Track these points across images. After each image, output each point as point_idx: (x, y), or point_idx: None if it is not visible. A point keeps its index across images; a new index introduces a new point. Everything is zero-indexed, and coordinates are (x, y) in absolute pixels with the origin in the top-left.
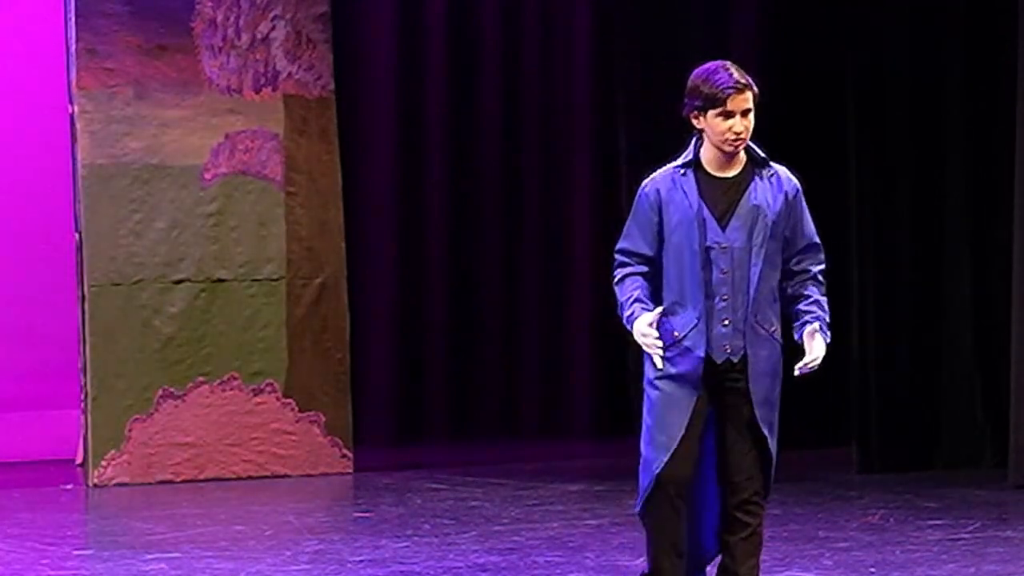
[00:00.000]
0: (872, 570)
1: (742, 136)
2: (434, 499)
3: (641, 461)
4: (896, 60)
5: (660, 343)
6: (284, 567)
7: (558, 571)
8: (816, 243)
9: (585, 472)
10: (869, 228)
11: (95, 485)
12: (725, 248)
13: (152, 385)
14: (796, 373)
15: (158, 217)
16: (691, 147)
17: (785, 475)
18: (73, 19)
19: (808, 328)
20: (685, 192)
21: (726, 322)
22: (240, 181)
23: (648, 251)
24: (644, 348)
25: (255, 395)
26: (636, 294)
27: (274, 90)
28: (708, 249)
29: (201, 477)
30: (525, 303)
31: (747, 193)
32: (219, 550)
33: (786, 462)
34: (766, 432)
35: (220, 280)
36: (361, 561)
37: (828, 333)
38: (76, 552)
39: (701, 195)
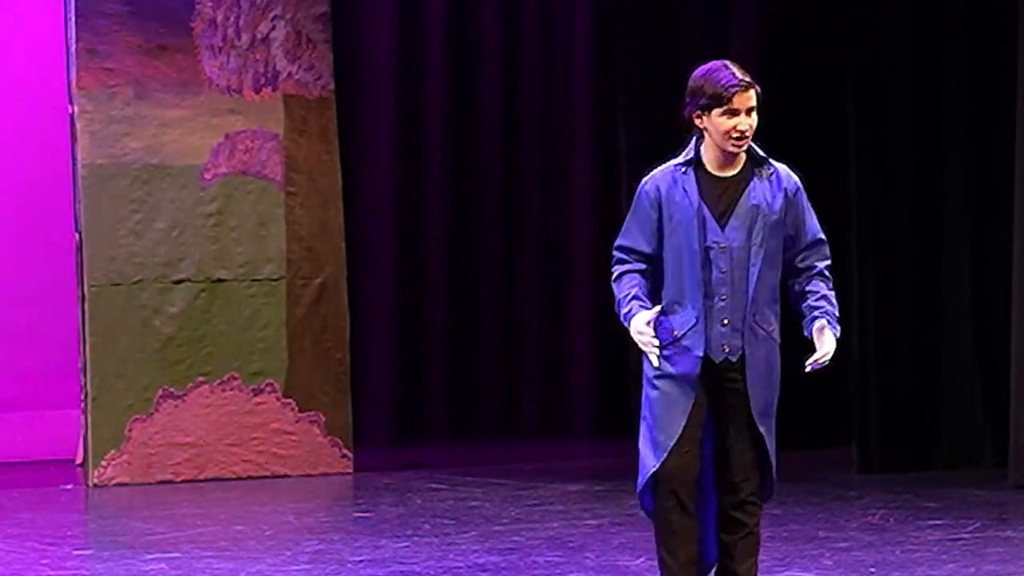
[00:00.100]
0: (872, 570)
1: (746, 134)
2: (434, 499)
3: (639, 460)
4: (896, 60)
5: (656, 341)
6: (284, 567)
7: (558, 571)
8: (821, 239)
9: (585, 472)
10: (869, 228)
11: (95, 485)
12: (724, 248)
13: (152, 385)
14: (807, 369)
15: (158, 217)
16: (691, 146)
17: (785, 475)
18: (73, 19)
19: (817, 324)
20: (685, 190)
21: (725, 322)
22: (240, 181)
23: (647, 248)
24: (640, 346)
25: (255, 395)
26: (634, 291)
27: (274, 90)
28: (707, 248)
29: (201, 477)
30: (525, 303)
31: (746, 192)
32: (219, 550)
33: (786, 462)
34: (763, 432)
35: (220, 280)
36: (361, 561)
37: (838, 327)
38: (76, 552)
39: (701, 194)
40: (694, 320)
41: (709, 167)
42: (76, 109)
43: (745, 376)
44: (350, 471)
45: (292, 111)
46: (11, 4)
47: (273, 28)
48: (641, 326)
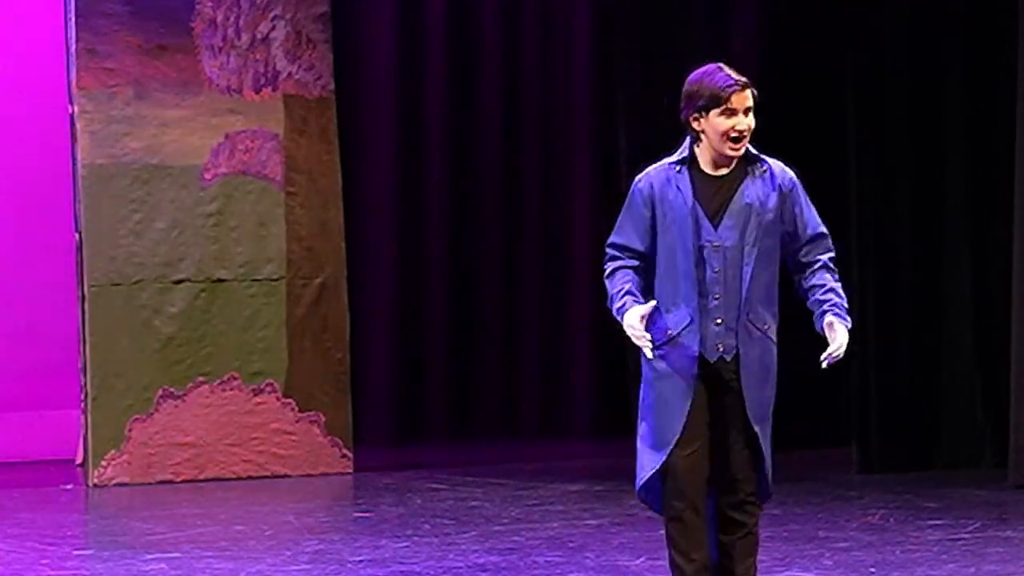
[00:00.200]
0: (872, 570)
1: (744, 135)
2: (434, 499)
3: (638, 461)
4: (896, 60)
5: (648, 335)
6: (284, 567)
7: (558, 571)
8: (822, 232)
9: (585, 472)
10: (869, 228)
11: (95, 485)
12: (717, 247)
13: (152, 385)
14: (823, 364)
15: (158, 217)
16: (686, 145)
17: (785, 475)
18: (73, 19)
19: (827, 318)
20: (679, 189)
21: (719, 321)
22: (240, 181)
23: (640, 246)
24: (632, 340)
25: (255, 395)
26: (627, 287)
27: (274, 90)
28: (701, 248)
29: (201, 477)
30: (525, 303)
31: (740, 191)
32: (219, 550)
33: (786, 462)
34: (758, 430)
35: (220, 280)
36: (361, 561)
37: (848, 318)
38: (76, 552)
39: (695, 193)
40: (688, 319)
41: (703, 166)
42: (76, 109)
43: (740, 375)
44: (350, 471)
45: (292, 111)
46: (11, 4)
47: (273, 28)
48: (634, 320)
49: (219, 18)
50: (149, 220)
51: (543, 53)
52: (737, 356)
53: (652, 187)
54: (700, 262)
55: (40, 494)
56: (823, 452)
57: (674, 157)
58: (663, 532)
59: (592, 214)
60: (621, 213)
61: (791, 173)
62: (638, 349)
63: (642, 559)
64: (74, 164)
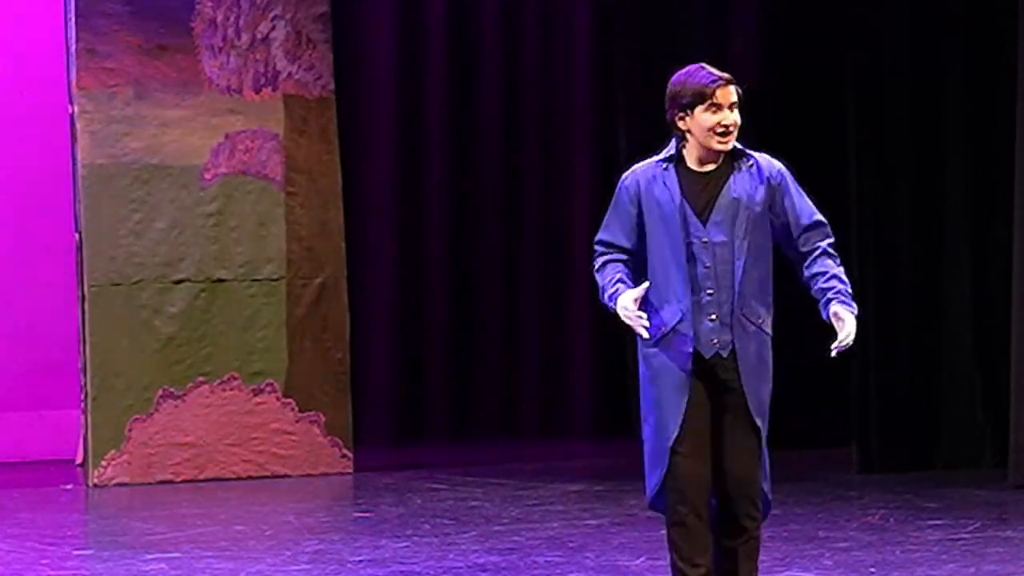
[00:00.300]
0: (872, 570)
1: (731, 130)
2: (434, 499)
3: (645, 466)
4: (896, 60)
5: (643, 315)
6: (284, 567)
7: (558, 571)
8: (818, 220)
9: (585, 472)
10: (869, 228)
11: (95, 485)
12: (707, 243)
13: (152, 385)
14: (832, 353)
15: (158, 217)
16: (672, 143)
17: (785, 475)
18: (73, 19)
19: (832, 308)
20: (666, 186)
21: (712, 317)
22: (240, 181)
23: (626, 243)
24: (627, 323)
25: (255, 395)
26: (618, 276)
27: (274, 90)
28: (690, 244)
29: (201, 477)
30: (525, 303)
31: (727, 187)
32: (219, 550)
33: (786, 462)
34: (760, 424)
35: (220, 280)
36: (361, 561)
37: (854, 304)
38: (76, 552)
39: (682, 190)
40: (680, 316)
41: (690, 164)
42: (76, 109)
43: (738, 370)
44: (350, 471)
45: (292, 111)
46: (11, 4)
47: (273, 28)
48: (627, 302)
49: (219, 18)
50: (149, 220)
51: (543, 53)
52: (734, 352)
53: (638, 185)
54: (690, 259)
55: (40, 494)
56: (823, 452)
57: (661, 155)
58: (664, 534)
59: (592, 214)
60: (608, 211)
61: (779, 165)
62: (637, 348)
63: (642, 559)
64: (74, 164)
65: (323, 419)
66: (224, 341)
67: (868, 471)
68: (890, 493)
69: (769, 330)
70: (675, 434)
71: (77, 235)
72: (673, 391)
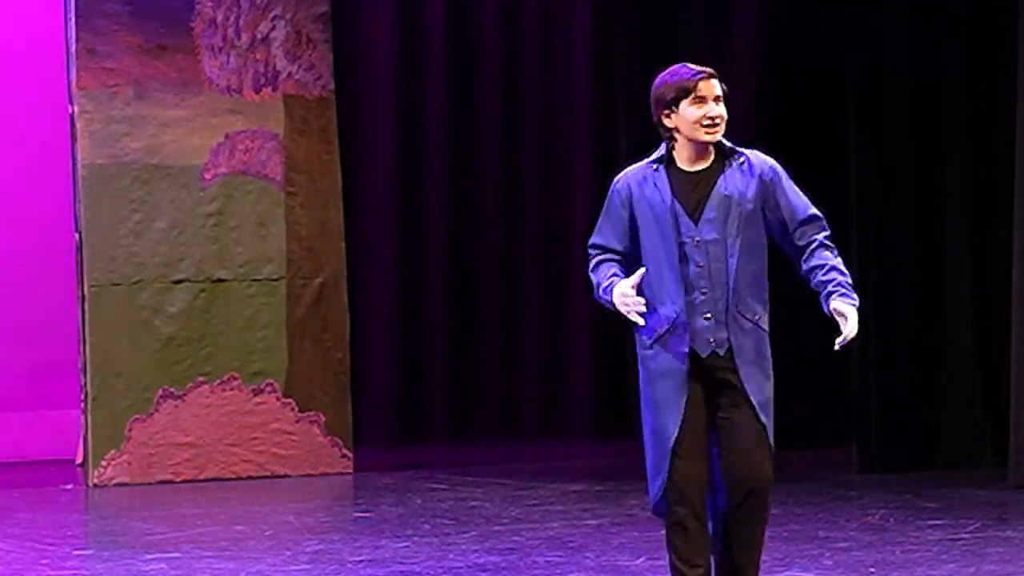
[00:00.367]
0: (872, 570)
1: (717, 121)
2: (434, 499)
3: (647, 470)
4: (896, 60)
5: (641, 300)
6: (284, 567)
7: (558, 571)
8: (814, 214)
9: (585, 472)
10: (869, 228)
11: (95, 485)
12: (699, 242)
13: (152, 385)
14: (836, 348)
15: (158, 217)
16: (663, 146)
17: (785, 475)
18: (73, 19)
19: (833, 304)
20: (657, 187)
21: (707, 315)
22: (240, 181)
23: (619, 246)
24: (625, 312)
25: (255, 395)
26: (612, 271)
27: (274, 90)
28: (682, 244)
29: (201, 477)
30: (525, 303)
31: (718, 184)
32: (219, 550)
33: (786, 462)
34: (765, 420)
35: (220, 280)
36: (361, 561)
37: (855, 296)
38: (76, 552)
39: (672, 190)
40: (675, 316)
41: (680, 163)
42: (76, 109)
43: (737, 368)
44: (350, 471)
45: (292, 111)
46: (11, 4)
47: (273, 28)
48: (625, 289)
49: (219, 18)
50: (149, 220)
51: (543, 53)
52: (731, 350)
53: (629, 188)
54: (683, 258)
55: (40, 494)
56: (823, 452)
57: (652, 157)
58: (663, 535)
59: (592, 214)
60: (601, 215)
61: (771, 161)
62: (636, 351)
63: (642, 559)
64: (74, 164)
65: (323, 419)
66: (224, 341)
67: (868, 471)
68: (890, 493)
69: (766, 327)
70: (675, 436)
71: (77, 235)
72: (671, 393)
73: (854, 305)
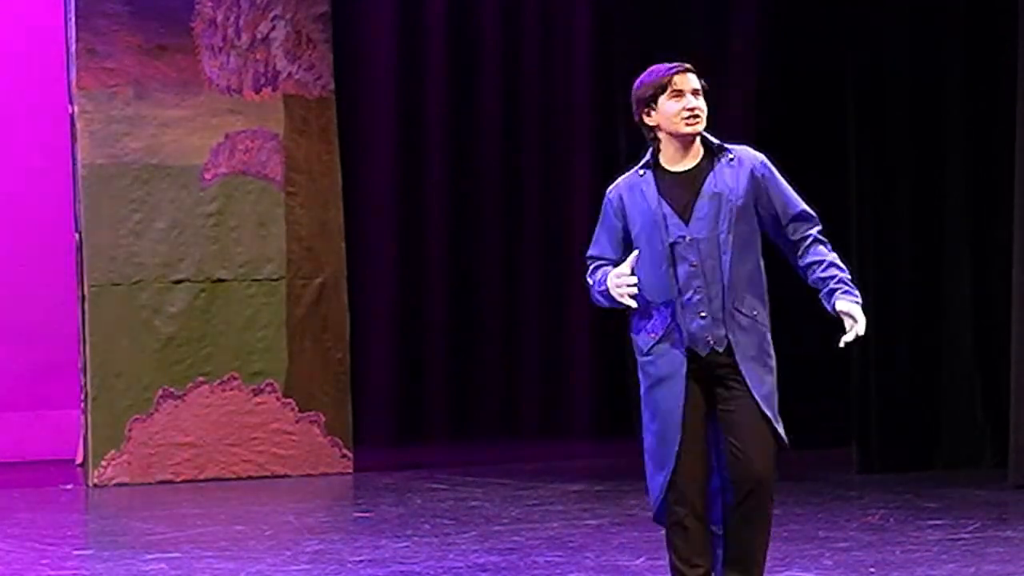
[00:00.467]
0: (872, 570)
1: (697, 113)
2: (434, 499)
3: (647, 475)
4: (896, 60)
5: (634, 279)
6: (284, 567)
7: (558, 571)
8: (804, 210)
9: (585, 472)
10: (869, 228)
11: (95, 485)
12: (691, 241)
13: (152, 385)
14: (841, 345)
15: (158, 217)
16: (649, 150)
17: (785, 475)
18: (73, 19)
19: (838, 305)
20: (644, 192)
21: (703, 315)
22: (240, 181)
23: (614, 256)
24: (618, 296)
25: (255, 395)
26: (606, 268)
27: (274, 90)
28: (673, 245)
29: (201, 477)
30: (525, 303)
31: (707, 182)
32: (219, 550)
33: (786, 462)
34: (770, 415)
35: (220, 280)
36: (361, 561)
37: (856, 292)
38: (76, 552)
39: (660, 192)
40: (670, 318)
41: (666, 164)
42: (76, 109)
43: (737, 364)
44: (350, 471)
45: (292, 111)
46: (11, 4)
47: (273, 28)
48: (622, 269)
49: (219, 18)
50: (149, 220)
51: (543, 53)
52: (729, 347)
53: (621, 197)
54: (674, 259)
55: (40, 494)
56: (823, 452)
57: (639, 163)
58: (663, 535)
59: (592, 214)
60: (597, 226)
61: (761, 157)
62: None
63: (642, 559)
64: (74, 164)
65: (323, 419)
66: (224, 341)
67: (868, 471)
68: (890, 493)
69: (766, 322)
70: (677, 446)
71: (77, 235)
72: (671, 398)
73: (857, 302)
